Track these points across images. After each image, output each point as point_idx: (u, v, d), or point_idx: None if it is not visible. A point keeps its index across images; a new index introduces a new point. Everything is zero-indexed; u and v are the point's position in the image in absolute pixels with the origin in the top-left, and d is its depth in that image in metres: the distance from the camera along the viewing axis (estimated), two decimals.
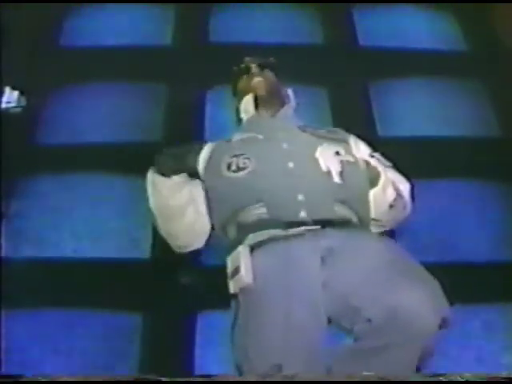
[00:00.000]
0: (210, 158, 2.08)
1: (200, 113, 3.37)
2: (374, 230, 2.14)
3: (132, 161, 3.14)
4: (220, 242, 2.12)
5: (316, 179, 1.98)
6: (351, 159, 2.07)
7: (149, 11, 3.96)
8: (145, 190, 2.66)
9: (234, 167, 1.99)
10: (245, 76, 2.42)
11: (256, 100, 2.31)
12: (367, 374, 1.60)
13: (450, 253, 2.92)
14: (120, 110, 3.41)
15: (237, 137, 2.22)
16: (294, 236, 1.85)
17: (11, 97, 2.92)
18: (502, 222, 3.08)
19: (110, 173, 3.14)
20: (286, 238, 1.85)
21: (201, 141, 2.21)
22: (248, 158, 2.00)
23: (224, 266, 1.97)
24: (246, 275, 1.79)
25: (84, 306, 2.72)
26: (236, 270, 1.82)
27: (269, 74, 2.42)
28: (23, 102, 2.93)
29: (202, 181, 2.12)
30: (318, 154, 2.04)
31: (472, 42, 3.97)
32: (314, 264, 1.78)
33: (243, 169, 1.98)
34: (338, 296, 1.74)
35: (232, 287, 1.85)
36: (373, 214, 2.09)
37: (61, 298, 2.73)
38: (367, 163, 2.11)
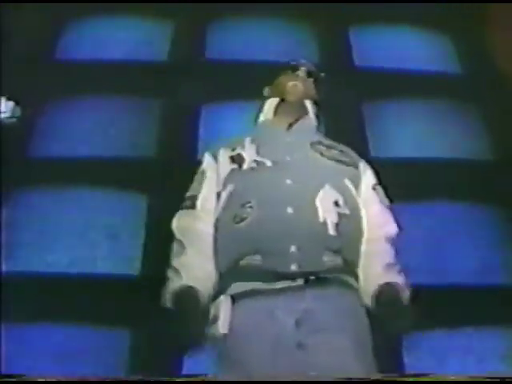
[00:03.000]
0: (226, 207, 2.09)
1: (194, 129, 3.39)
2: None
3: (125, 176, 3.15)
4: None
5: (311, 229, 1.99)
6: (347, 212, 2.07)
7: (146, 27, 3.99)
8: (137, 205, 2.69)
9: (238, 219, 2.02)
10: (289, 72, 2.40)
11: (278, 105, 2.31)
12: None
13: (439, 275, 2.92)
14: (114, 124, 3.41)
15: (248, 151, 2.19)
16: (275, 292, 1.90)
17: (6, 107, 2.91)
18: (491, 245, 3.09)
19: (103, 187, 3.14)
20: (268, 293, 1.90)
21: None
22: (251, 207, 2.02)
23: None
24: (222, 326, 1.86)
25: (73, 321, 2.72)
26: (215, 319, 1.89)
27: (311, 83, 2.38)
28: (18, 113, 2.92)
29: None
30: (318, 202, 2.05)
31: (467, 65, 4.00)
32: (288, 326, 1.84)
33: (245, 219, 2.00)
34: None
35: (209, 333, 1.90)
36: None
37: (50, 312, 2.73)
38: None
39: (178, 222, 2.08)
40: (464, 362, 2.71)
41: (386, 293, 1.93)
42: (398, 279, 1.98)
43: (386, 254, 2.06)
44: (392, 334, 1.94)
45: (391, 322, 1.89)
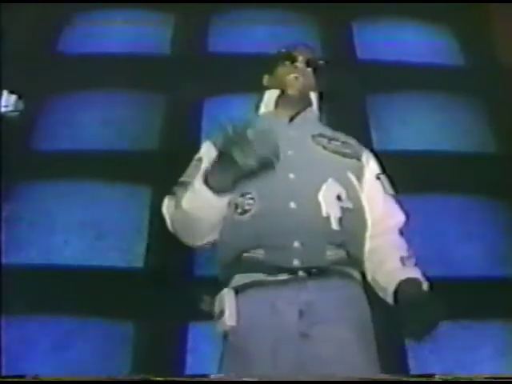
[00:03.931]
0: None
1: (197, 122, 3.39)
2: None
3: (128, 169, 3.16)
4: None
5: (314, 224, 1.98)
6: (350, 206, 2.06)
7: (148, 20, 3.98)
8: (140, 198, 2.68)
9: (240, 209, 2.00)
10: (288, 63, 2.36)
11: (279, 98, 2.29)
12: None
13: (442, 268, 2.93)
14: (117, 118, 3.42)
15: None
16: (278, 284, 1.90)
17: (9, 101, 2.91)
18: (495, 239, 3.09)
19: (105, 181, 3.15)
20: (270, 284, 1.90)
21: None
22: (252, 199, 2.00)
23: (216, 278, 2.02)
24: (229, 319, 1.86)
25: (76, 313, 2.72)
26: (221, 313, 1.89)
27: (310, 73, 2.31)
28: (21, 107, 2.92)
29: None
30: (320, 197, 2.03)
31: (470, 58, 3.99)
32: (291, 316, 1.85)
33: (247, 211, 1.99)
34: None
35: (218, 328, 1.90)
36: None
37: (53, 304, 2.74)
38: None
39: (167, 205, 2.06)
40: (467, 360, 2.72)
41: (408, 289, 1.90)
42: (416, 273, 1.95)
43: (400, 246, 2.05)
44: (416, 333, 1.83)
45: (416, 319, 1.81)
